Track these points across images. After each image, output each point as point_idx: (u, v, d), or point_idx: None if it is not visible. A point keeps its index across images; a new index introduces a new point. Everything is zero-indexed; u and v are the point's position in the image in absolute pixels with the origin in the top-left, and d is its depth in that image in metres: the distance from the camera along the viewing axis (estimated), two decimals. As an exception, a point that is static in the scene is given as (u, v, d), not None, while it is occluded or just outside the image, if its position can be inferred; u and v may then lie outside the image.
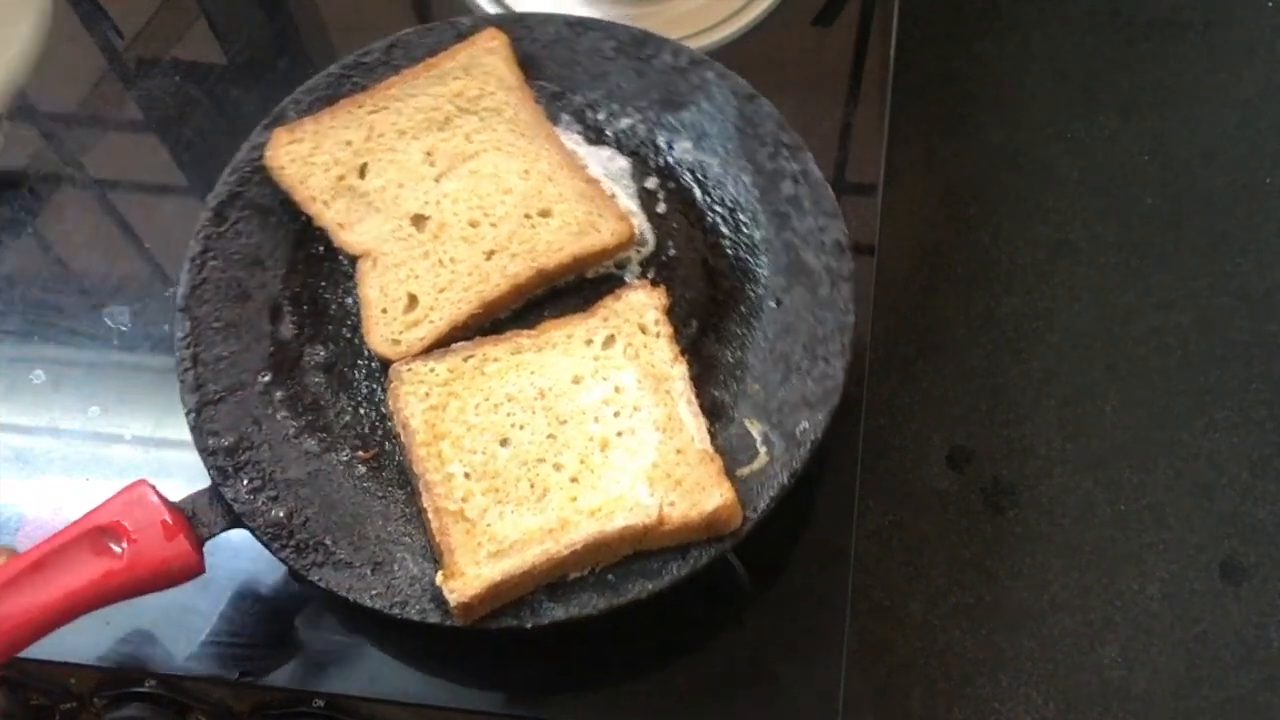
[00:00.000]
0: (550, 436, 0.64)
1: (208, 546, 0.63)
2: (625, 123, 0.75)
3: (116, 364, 0.77)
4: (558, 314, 0.69)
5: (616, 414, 0.64)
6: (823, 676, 0.66)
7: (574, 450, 0.64)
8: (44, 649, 0.62)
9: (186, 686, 0.67)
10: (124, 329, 0.78)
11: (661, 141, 0.74)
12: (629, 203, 0.72)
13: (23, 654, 0.60)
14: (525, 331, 0.68)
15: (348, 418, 0.68)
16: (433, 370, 0.66)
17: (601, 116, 0.75)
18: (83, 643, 0.66)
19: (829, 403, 0.64)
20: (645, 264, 0.71)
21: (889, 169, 0.81)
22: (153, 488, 0.62)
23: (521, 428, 0.64)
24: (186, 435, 0.66)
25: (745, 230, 0.71)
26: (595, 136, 0.75)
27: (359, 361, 0.69)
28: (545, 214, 0.71)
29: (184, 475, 0.66)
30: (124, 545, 0.60)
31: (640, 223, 0.72)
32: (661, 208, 0.73)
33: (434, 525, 0.62)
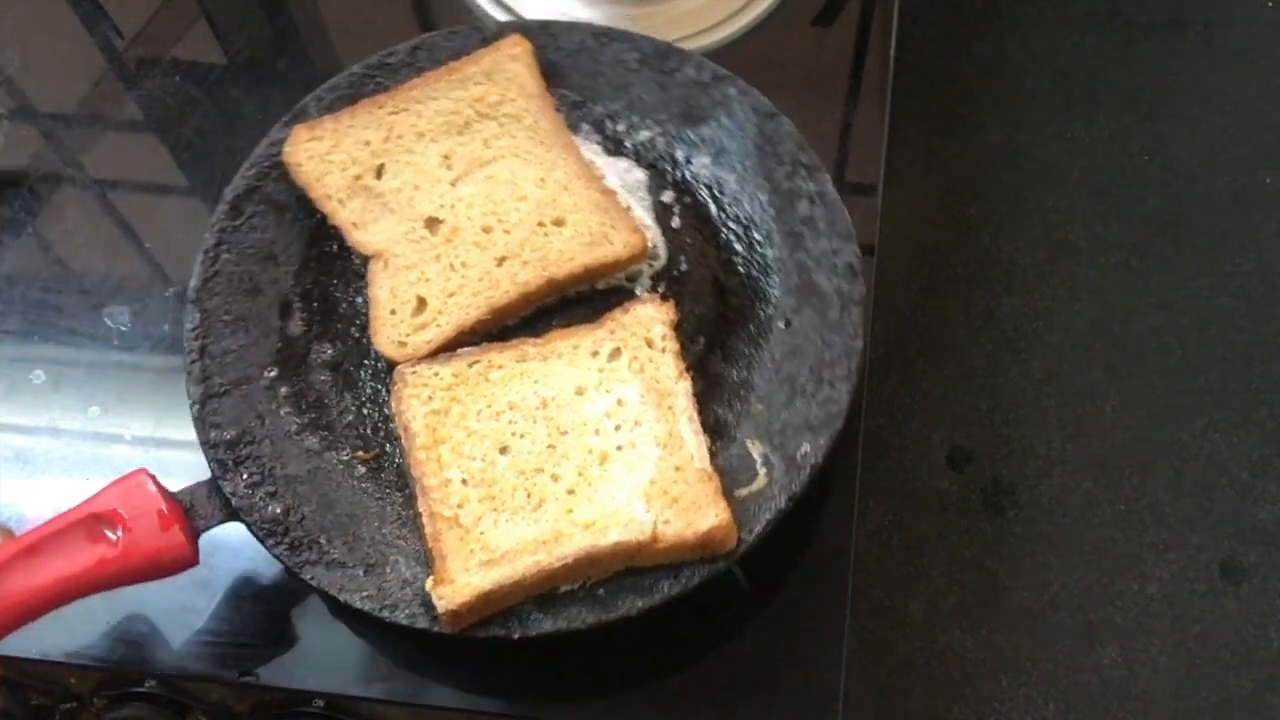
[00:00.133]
0: (550, 447, 0.64)
1: (209, 546, 0.63)
2: (645, 135, 0.75)
3: (116, 364, 0.77)
4: (566, 324, 0.69)
5: (617, 427, 0.64)
6: (823, 677, 0.66)
7: (572, 462, 0.63)
8: (44, 649, 0.62)
9: (186, 686, 0.67)
10: (124, 329, 0.78)
11: (680, 155, 0.74)
12: (644, 215, 0.72)
13: (23, 654, 0.60)
14: (531, 340, 0.68)
15: (350, 417, 0.68)
16: (437, 374, 0.66)
17: (621, 128, 0.75)
18: (83, 643, 0.66)
19: (832, 427, 0.64)
20: (656, 278, 0.71)
21: (889, 169, 0.81)
22: (152, 477, 0.62)
23: (522, 436, 0.64)
24: (186, 435, 0.66)
25: (759, 249, 0.71)
26: (614, 147, 0.75)
27: (365, 362, 0.69)
28: (559, 223, 0.71)
29: (184, 475, 0.65)
30: (119, 533, 0.60)
31: (654, 236, 0.72)
32: (676, 222, 0.73)
33: (428, 530, 0.62)
